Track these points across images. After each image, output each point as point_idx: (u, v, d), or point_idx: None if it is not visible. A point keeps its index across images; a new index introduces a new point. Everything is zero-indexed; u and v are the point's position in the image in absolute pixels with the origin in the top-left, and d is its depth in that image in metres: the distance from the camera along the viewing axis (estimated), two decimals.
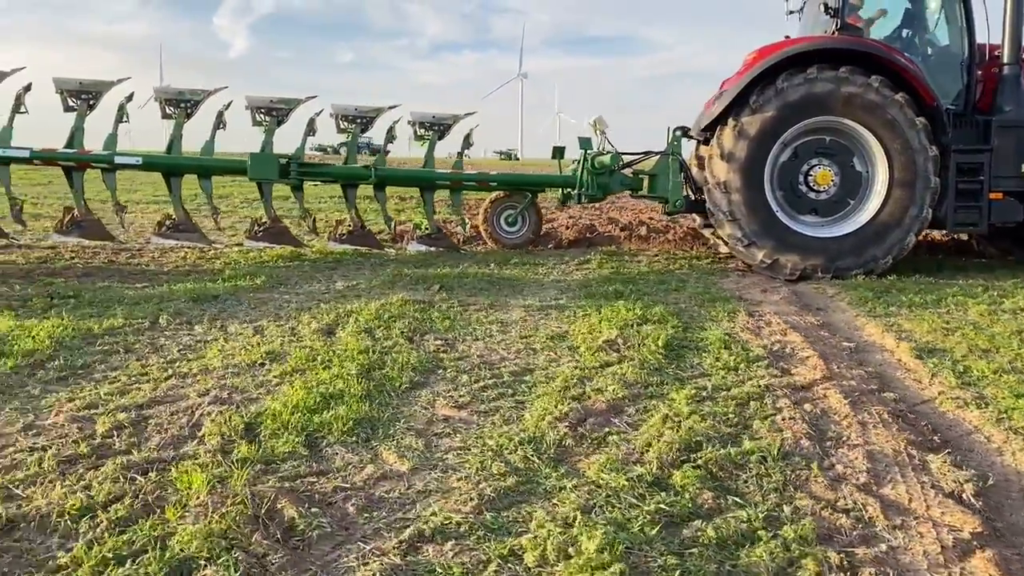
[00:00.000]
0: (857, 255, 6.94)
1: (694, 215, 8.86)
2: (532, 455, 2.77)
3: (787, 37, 8.58)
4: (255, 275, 6.56)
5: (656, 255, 8.50)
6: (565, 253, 8.64)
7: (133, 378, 3.73)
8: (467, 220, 8.72)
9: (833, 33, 7.30)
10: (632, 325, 4.77)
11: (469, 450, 2.86)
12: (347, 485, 2.55)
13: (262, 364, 3.96)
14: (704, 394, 3.50)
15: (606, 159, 7.95)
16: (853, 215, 7.14)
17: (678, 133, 8.08)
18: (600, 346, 4.29)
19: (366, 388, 3.47)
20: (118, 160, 7.18)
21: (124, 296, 5.74)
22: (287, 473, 2.62)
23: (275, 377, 3.71)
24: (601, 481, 2.56)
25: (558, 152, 8.76)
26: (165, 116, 7.63)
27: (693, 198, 8.10)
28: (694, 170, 8.19)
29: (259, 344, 4.35)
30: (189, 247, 7.81)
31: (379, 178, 7.90)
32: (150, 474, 2.59)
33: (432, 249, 8.41)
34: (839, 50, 7.00)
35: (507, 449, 2.83)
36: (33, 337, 4.30)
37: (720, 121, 7.18)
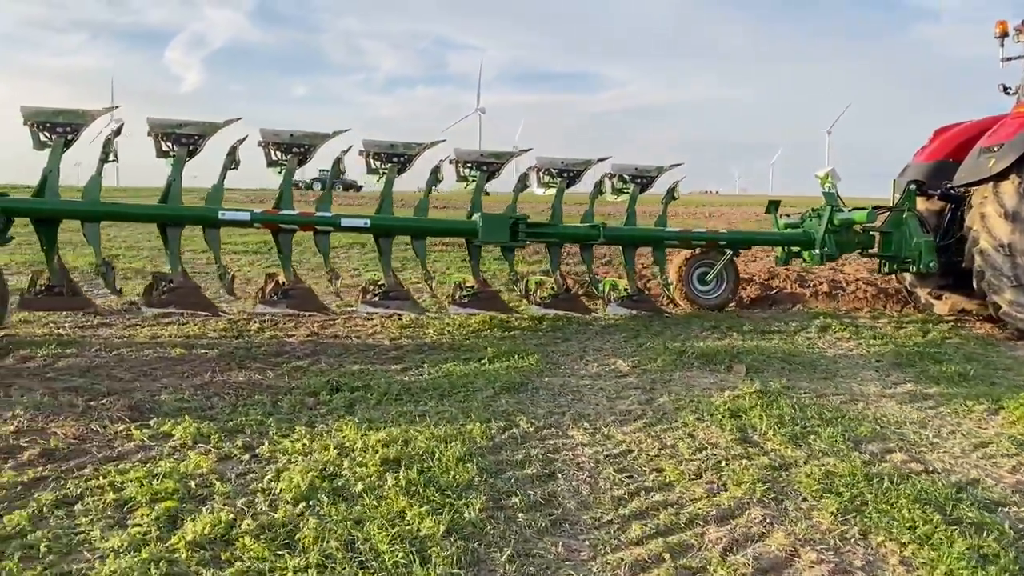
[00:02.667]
0: None
1: (904, 273, 8.27)
2: None
3: (1002, 87, 8.14)
4: (517, 354, 5.80)
5: (878, 317, 7.89)
6: (768, 315, 7.99)
7: (615, 526, 2.96)
8: (670, 280, 8.03)
9: None
10: None
11: None
12: None
13: (767, 506, 3.21)
14: None
15: (860, 215, 7.36)
16: None
17: (912, 188, 7.54)
18: None
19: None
20: (345, 223, 6.39)
21: (400, 383, 4.98)
22: None
23: (842, 524, 2.96)
24: None
25: (773, 206, 8.17)
26: (371, 171, 6.88)
27: None
28: None
29: (707, 468, 3.61)
30: (397, 315, 7.04)
31: (607, 237, 7.20)
32: None
33: (633, 312, 7.71)
34: None
35: None
36: (435, 454, 3.52)
37: (998, 178, 6.62)
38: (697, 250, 8.10)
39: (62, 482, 3.27)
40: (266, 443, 3.77)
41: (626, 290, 7.81)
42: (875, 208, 7.41)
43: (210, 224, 6.17)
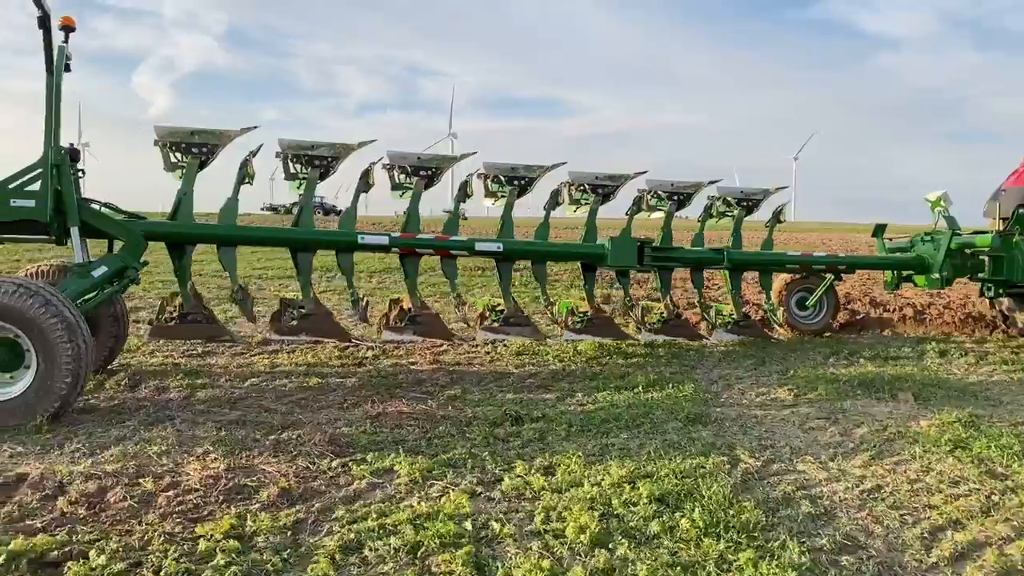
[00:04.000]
0: None
1: (1002, 298, 8.21)
2: None
3: None
4: (670, 383, 5.63)
5: (982, 341, 7.81)
6: (870, 340, 7.87)
7: (948, 568, 2.78)
8: (776, 307, 7.90)
9: None
10: None
11: None
12: None
13: None
14: None
15: (984, 239, 7.31)
16: None
17: (1021, 211, 7.50)
18: None
19: None
20: (479, 247, 6.19)
21: (574, 414, 4.81)
22: None
23: None
24: None
25: (879, 230, 8.10)
26: (489, 195, 6.71)
27: None
28: None
29: (992, 505, 3.44)
30: (504, 342, 6.84)
31: (731, 262, 7.07)
32: None
33: (739, 337, 7.57)
34: None
35: None
36: (701, 491, 3.33)
37: None
38: (797, 275, 8.01)
39: (324, 525, 3.05)
40: (506, 479, 3.56)
41: (731, 316, 7.67)
42: (997, 232, 7.36)
43: (348, 248, 5.94)
